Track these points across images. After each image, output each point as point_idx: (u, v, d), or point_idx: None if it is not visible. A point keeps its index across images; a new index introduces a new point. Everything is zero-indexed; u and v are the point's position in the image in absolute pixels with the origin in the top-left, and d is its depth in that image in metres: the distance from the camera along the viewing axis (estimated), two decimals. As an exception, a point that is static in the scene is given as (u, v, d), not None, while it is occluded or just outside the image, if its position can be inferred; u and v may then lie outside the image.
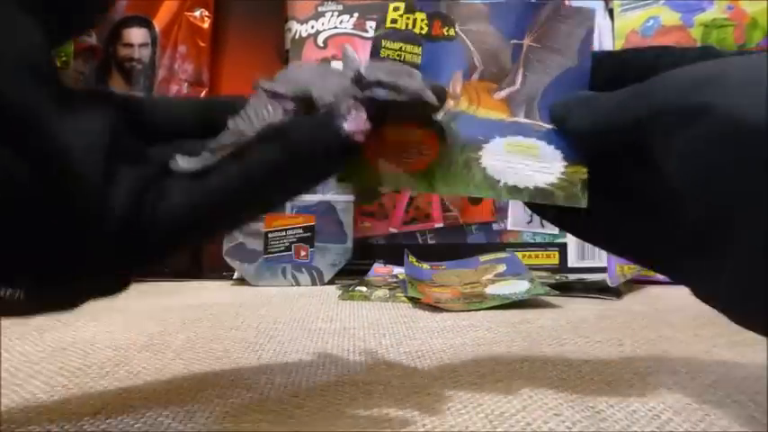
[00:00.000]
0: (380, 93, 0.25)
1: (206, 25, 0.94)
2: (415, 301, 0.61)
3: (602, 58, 0.29)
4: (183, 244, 0.23)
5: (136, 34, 0.92)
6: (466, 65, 0.30)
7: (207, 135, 0.24)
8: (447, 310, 0.56)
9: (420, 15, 0.31)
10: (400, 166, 0.28)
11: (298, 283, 0.80)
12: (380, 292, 0.66)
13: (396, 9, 0.31)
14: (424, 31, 0.30)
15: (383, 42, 0.31)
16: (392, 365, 0.37)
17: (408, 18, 0.31)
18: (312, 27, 0.98)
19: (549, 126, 0.28)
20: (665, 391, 0.31)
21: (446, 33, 0.30)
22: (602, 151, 0.26)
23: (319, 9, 0.98)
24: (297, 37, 0.99)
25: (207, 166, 0.22)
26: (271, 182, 0.23)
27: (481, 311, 0.56)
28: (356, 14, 0.97)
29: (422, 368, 0.36)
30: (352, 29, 0.97)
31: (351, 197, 0.83)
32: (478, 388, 0.32)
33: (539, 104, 0.29)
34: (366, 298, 0.65)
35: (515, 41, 0.30)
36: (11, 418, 0.28)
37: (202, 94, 0.93)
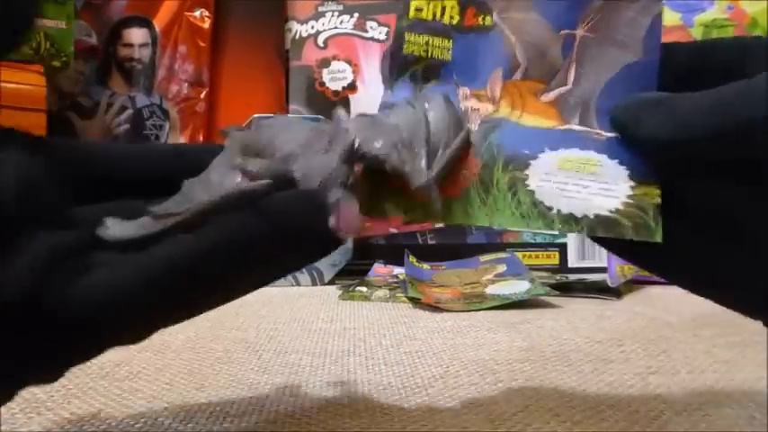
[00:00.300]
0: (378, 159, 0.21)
1: (206, 25, 0.94)
2: (415, 302, 0.61)
3: (675, 51, 0.24)
4: (109, 337, 0.18)
5: (136, 34, 0.92)
6: (506, 61, 0.25)
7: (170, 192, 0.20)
8: (447, 311, 0.56)
9: (450, 2, 0.26)
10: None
11: (298, 284, 0.80)
12: (381, 293, 0.66)
13: None
14: (454, 21, 0.26)
15: (407, 36, 0.26)
16: (392, 365, 0.37)
17: (436, 5, 0.26)
18: (312, 27, 0.98)
19: (611, 134, 0.23)
20: (666, 391, 0.31)
21: (481, 23, 0.25)
22: (689, 164, 0.21)
23: (319, 9, 0.98)
24: (297, 37, 0.99)
25: (146, 235, 0.18)
26: (235, 264, 0.18)
27: (481, 312, 0.56)
28: (356, 14, 0.97)
29: (422, 368, 0.36)
30: (353, 29, 0.97)
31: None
32: (479, 388, 0.32)
33: (596, 107, 0.24)
34: (366, 298, 0.65)
35: (566, 32, 0.25)
36: (11, 419, 0.28)
37: (202, 95, 0.93)
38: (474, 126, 0.24)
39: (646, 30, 0.24)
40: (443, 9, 0.26)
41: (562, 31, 0.25)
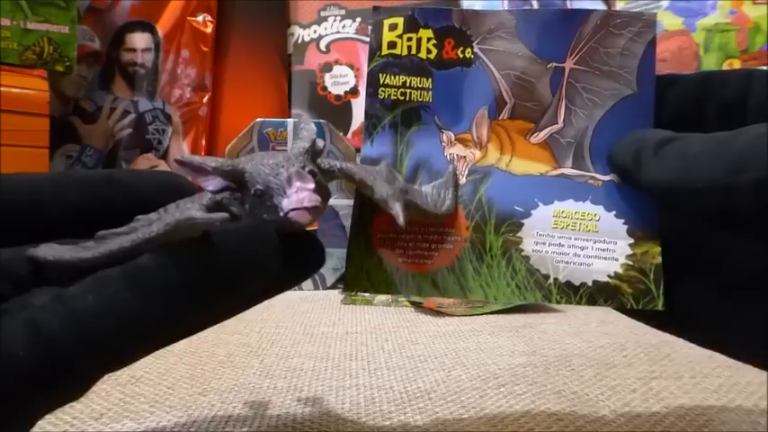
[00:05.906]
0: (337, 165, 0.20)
1: (209, 30, 0.94)
2: (417, 306, 0.61)
3: (672, 84, 0.22)
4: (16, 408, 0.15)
5: (139, 39, 0.93)
6: (492, 99, 0.23)
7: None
8: (449, 315, 0.56)
9: (425, 33, 0.23)
10: (416, 265, 0.22)
11: (300, 287, 0.80)
12: (383, 297, 0.66)
13: (392, 27, 0.23)
14: (432, 55, 0.23)
15: (381, 77, 0.23)
16: (394, 370, 0.37)
17: (410, 39, 0.23)
18: (315, 32, 0.98)
19: (607, 177, 0.22)
20: (669, 395, 0.31)
21: (461, 56, 0.23)
22: (696, 214, 0.20)
23: (322, 14, 0.99)
24: (299, 41, 0.99)
25: (86, 259, 0.16)
26: (164, 309, 0.16)
27: (483, 316, 0.56)
28: (359, 19, 0.97)
29: (424, 373, 0.36)
30: (355, 33, 0.97)
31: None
32: (481, 392, 0.32)
33: (590, 147, 0.22)
34: (368, 302, 0.65)
35: (555, 64, 0.23)
36: (13, 423, 0.28)
37: (205, 99, 0.93)
38: (462, 178, 0.22)
39: (639, 59, 0.22)
40: (419, 42, 0.23)
41: (550, 64, 0.23)
